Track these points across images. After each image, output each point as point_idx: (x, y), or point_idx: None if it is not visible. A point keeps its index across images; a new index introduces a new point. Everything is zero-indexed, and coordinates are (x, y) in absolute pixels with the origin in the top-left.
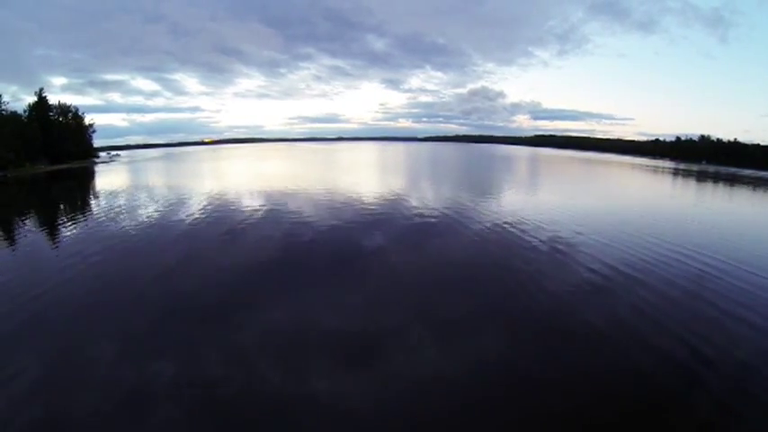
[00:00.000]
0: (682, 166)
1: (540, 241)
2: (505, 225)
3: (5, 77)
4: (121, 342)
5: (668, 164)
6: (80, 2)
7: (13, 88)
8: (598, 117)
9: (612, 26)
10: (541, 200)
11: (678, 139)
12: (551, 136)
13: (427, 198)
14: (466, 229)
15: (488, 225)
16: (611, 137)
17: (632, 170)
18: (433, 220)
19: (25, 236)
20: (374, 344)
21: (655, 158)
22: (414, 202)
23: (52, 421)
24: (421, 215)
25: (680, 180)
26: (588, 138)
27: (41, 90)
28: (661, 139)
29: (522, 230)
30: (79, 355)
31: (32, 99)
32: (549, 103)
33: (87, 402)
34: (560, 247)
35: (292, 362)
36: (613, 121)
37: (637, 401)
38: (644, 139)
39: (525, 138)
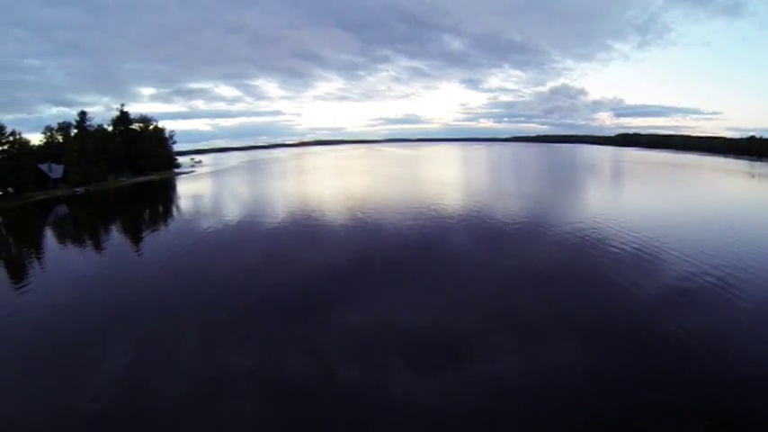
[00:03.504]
0: None
1: (625, 247)
2: (589, 231)
3: (99, 90)
4: (204, 333)
5: None
6: (166, 18)
7: (106, 99)
8: (683, 112)
9: (695, 12)
10: (627, 207)
11: None
12: (636, 135)
13: (509, 203)
14: (548, 234)
15: (571, 230)
16: (698, 133)
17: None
18: (514, 224)
19: (116, 240)
20: (452, 345)
21: (752, 159)
22: (495, 207)
23: (135, 400)
24: (502, 219)
25: None
26: (674, 136)
27: (122, 105)
28: (755, 135)
29: (607, 236)
30: (164, 342)
31: (125, 109)
32: (631, 99)
33: (167, 386)
34: (645, 254)
35: (370, 360)
36: (700, 116)
37: (720, 421)
38: (733, 134)
39: (608, 137)
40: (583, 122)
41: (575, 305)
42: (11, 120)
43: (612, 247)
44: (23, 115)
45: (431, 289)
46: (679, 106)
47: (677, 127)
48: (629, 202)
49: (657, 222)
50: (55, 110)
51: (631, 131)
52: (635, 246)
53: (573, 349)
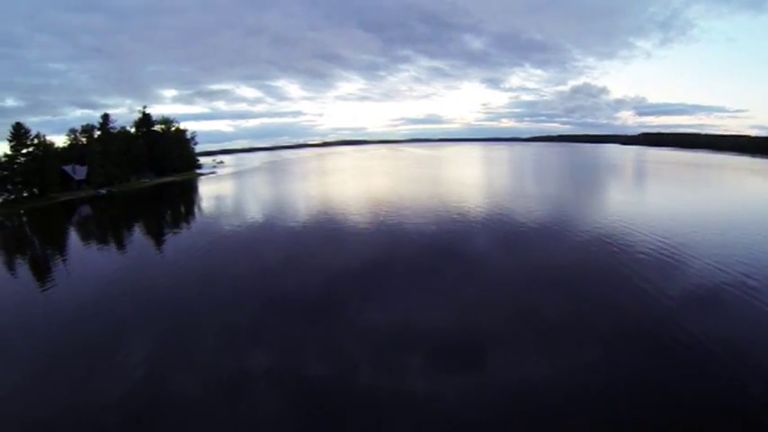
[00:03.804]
0: None
1: (648, 250)
2: (611, 233)
3: (122, 92)
4: (224, 331)
5: None
6: (186, 22)
7: (129, 101)
8: (707, 110)
9: (718, 7)
10: (650, 209)
11: None
12: (659, 134)
13: (530, 204)
14: (569, 236)
15: (593, 232)
16: (723, 132)
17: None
18: (535, 225)
19: (138, 240)
20: (472, 346)
21: None
22: (517, 209)
23: (154, 395)
24: (524, 221)
25: None
26: (698, 135)
27: (144, 107)
28: None
29: (630, 238)
30: (184, 340)
31: (147, 111)
32: (654, 98)
33: (186, 383)
34: (669, 257)
35: (389, 361)
36: (724, 114)
37: (744, 428)
38: (759, 133)
39: (631, 136)
40: (605, 122)
41: (597, 308)
42: (36, 122)
43: (636, 249)
44: (48, 117)
45: (451, 290)
46: (703, 104)
47: (701, 125)
48: (653, 203)
49: (682, 225)
50: (79, 112)
51: (654, 130)
52: (659, 248)
53: (594, 352)
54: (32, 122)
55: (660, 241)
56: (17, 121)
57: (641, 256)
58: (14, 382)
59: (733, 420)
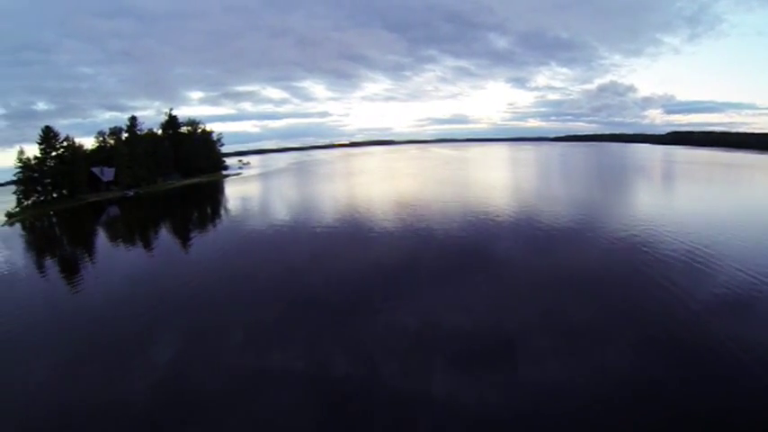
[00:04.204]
0: None
1: (676, 253)
2: (639, 235)
3: (150, 95)
4: (250, 329)
5: None
6: (212, 25)
7: (156, 103)
8: (738, 107)
9: (748, 1)
10: (680, 211)
11: None
12: (688, 132)
13: (557, 206)
14: (596, 238)
15: (621, 234)
16: (755, 129)
17: None
18: (562, 227)
19: (165, 240)
20: (497, 347)
21: None
22: (543, 210)
23: (180, 391)
24: (550, 223)
25: None
26: (729, 133)
27: (171, 109)
28: None
29: (658, 241)
30: (210, 337)
31: (174, 112)
32: (682, 95)
33: (212, 379)
34: (697, 260)
35: (413, 360)
36: (756, 111)
37: None
38: None
39: (659, 135)
40: (632, 120)
41: (623, 310)
42: (67, 124)
43: (663, 252)
44: (78, 120)
45: (477, 291)
46: (733, 101)
47: (732, 123)
48: (683, 206)
49: (714, 229)
50: (108, 114)
51: (683, 129)
52: (687, 251)
53: (620, 356)
54: (63, 125)
55: (690, 245)
56: (49, 123)
57: (670, 260)
58: (45, 377)
59: (761, 427)
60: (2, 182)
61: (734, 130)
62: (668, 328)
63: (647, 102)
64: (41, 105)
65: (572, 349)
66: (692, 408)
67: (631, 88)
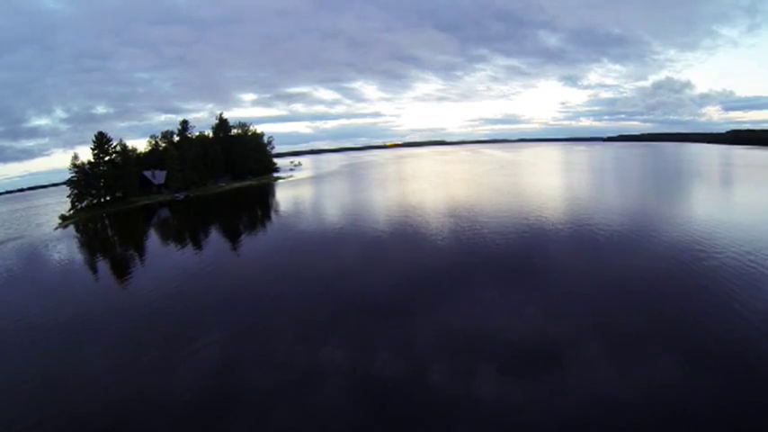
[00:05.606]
0: None
1: (734, 263)
2: (696, 244)
3: (203, 97)
4: (299, 327)
5: None
6: (263, 29)
7: (210, 106)
8: None
9: None
10: (740, 219)
11: None
12: (749, 131)
13: (611, 213)
14: (652, 246)
15: (677, 243)
16: None
17: None
18: (616, 234)
19: (215, 241)
20: (547, 353)
21: None
22: (597, 217)
23: (228, 383)
24: (604, 230)
25: None
26: None
27: (221, 113)
28: None
29: (715, 250)
30: (258, 334)
31: (227, 114)
32: (742, 91)
33: (259, 373)
34: (757, 271)
35: (460, 364)
36: None
37: None
38: None
39: (717, 134)
40: (689, 118)
41: (677, 321)
42: (124, 126)
43: (721, 261)
44: (135, 122)
45: (528, 296)
46: None
47: None
48: (744, 212)
49: None
50: (163, 117)
51: (743, 127)
52: (745, 262)
53: (672, 367)
54: (121, 127)
55: (747, 253)
56: (107, 126)
57: (727, 267)
58: (102, 367)
59: None
60: (63, 181)
61: None
62: (726, 343)
63: (705, 98)
64: (100, 109)
65: (624, 360)
66: (748, 426)
67: (688, 84)
